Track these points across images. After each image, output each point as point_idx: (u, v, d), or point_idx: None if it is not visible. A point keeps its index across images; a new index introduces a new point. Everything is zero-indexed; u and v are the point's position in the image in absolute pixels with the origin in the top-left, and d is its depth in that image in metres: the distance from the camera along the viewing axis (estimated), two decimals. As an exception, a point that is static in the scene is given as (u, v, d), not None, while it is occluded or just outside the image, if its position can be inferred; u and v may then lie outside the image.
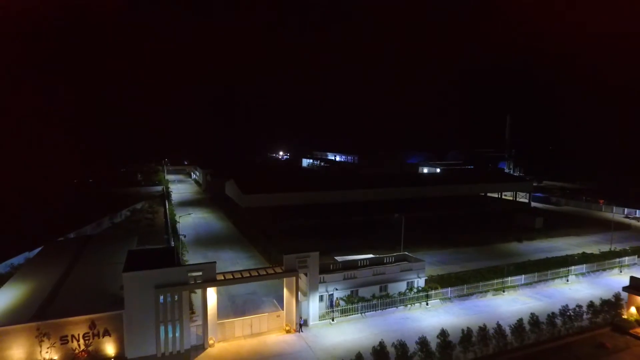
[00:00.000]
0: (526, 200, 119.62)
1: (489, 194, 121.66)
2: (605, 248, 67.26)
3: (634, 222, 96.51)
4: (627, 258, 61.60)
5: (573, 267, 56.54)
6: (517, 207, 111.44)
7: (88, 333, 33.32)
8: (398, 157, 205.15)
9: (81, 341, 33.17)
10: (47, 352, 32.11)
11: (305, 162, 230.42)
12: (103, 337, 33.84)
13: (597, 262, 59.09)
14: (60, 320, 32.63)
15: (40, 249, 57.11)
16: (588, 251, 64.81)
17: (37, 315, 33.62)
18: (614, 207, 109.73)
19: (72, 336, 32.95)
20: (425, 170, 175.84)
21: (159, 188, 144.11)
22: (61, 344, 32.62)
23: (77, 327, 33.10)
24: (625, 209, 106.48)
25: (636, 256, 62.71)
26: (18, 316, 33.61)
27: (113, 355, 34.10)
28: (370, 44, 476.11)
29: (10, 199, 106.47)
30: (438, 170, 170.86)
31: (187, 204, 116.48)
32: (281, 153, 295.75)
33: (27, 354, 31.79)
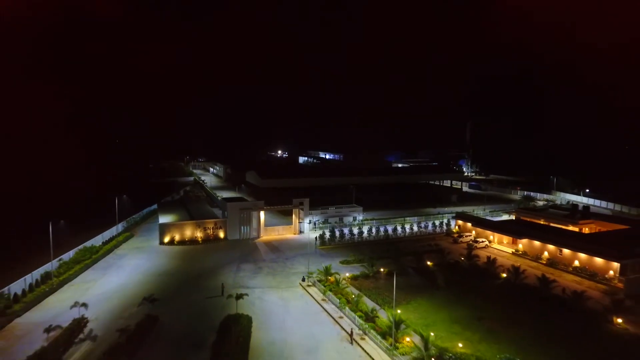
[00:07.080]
0: (459, 187, 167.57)
1: (432, 182, 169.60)
2: (480, 211, 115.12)
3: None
4: (479, 213, 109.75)
5: (448, 215, 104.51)
6: (448, 190, 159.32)
7: (214, 226, 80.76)
8: (378, 155, 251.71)
9: (211, 230, 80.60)
10: (199, 233, 79.46)
11: (301, 159, 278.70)
12: (219, 229, 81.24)
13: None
14: (204, 220, 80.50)
15: (155, 205, 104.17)
16: (467, 211, 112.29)
17: (193, 218, 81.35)
18: (519, 191, 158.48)
19: (207, 227, 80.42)
20: (400, 166, 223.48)
21: (191, 178, 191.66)
22: (204, 230, 79.98)
23: (209, 224, 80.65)
24: (525, 192, 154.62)
25: (489, 211, 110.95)
26: (184, 219, 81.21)
27: (222, 237, 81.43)
28: (364, 48, 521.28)
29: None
30: (408, 165, 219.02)
31: (216, 189, 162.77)
32: (279, 152, 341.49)
33: (191, 233, 79.26)
